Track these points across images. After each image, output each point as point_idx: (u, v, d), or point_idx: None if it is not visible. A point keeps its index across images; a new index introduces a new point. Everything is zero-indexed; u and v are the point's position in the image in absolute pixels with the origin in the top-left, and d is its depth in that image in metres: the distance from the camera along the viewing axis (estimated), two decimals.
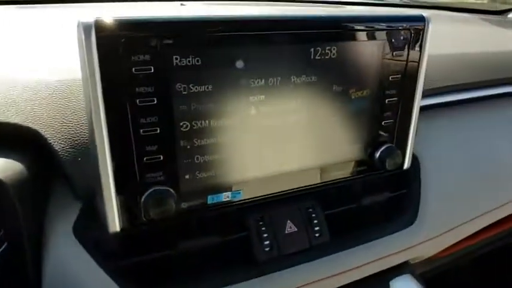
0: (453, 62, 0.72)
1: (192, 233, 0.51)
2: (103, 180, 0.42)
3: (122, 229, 0.44)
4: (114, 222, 0.44)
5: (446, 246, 0.66)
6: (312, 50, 0.47)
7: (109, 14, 0.38)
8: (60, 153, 0.44)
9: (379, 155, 0.54)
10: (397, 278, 0.61)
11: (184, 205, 0.47)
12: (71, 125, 0.46)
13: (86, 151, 0.45)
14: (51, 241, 0.45)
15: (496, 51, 0.82)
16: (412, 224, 0.60)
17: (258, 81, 0.46)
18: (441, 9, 1.18)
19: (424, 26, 0.52)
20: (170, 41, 0.40)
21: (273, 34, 0.45)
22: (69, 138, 0.45)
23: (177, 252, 0.49)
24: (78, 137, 0.46)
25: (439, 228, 0.63)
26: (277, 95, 0.47)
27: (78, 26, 0.38)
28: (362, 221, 0.61)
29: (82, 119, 0.47)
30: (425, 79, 0.54)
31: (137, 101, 0.40)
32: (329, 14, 0.47)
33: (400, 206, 0.62)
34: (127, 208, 0.44)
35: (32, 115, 0.45)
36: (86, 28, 0.37)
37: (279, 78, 0.46)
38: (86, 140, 0.46)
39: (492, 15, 1.18)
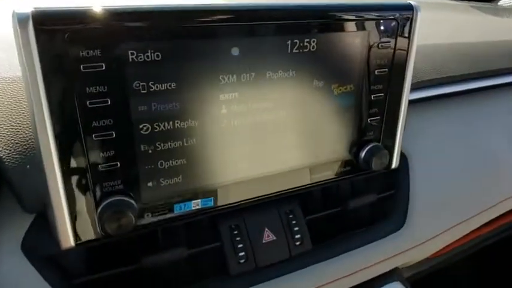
0: (442, 52, 0.67)
1: (158, 245, 0.47)
2: (52, 191, 0.37)
3: (76, 244, 0.40)
4: (68, 237, 0.39)
5: (436, 250, 0.62)
6: (289, 42, 0.42)
7: (52, 2, 0.33)
8: (5, 159, 0.39)
9: (364, 155, 0.50)
10: (385, 285, 0.57)
11: (147, 216, 0.42)
12: (19, 127, 0.41)
13: (35, 158, 0.41)
14: None
15: (487, 41, 0.78)
16: (400, 228, 0.56)
17: (229, 77, 0.41)
18: None
19: (412, 14, 0.47)
20: (124, 34, 0.35)
21: (244, 25, 0.40)
22: (16, 143, 0.40)
23: (140, 268, 0.44)
24: (27, 141, 0.41)
25: (428, 232, 0.59)
26: (250, 93, 0.42)
27: (12, 17, 0.32)
28: (346, 226, 0.57)
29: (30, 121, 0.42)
30: (413, 71, 0.50)
31: (87, 102, 0.35)
32: (307, 3, 0.42)
33: (388, 209, 0.58)
34: (81, 221, 0.39)
35: None
36: (21, 20, 0.32)
37: (253, 73, 0.42)
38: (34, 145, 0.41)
39: (482, 2, 1.15)
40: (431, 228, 0.60)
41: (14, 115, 0.41)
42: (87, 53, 0.34)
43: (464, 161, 0.64)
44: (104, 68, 0.35)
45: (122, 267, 0.44)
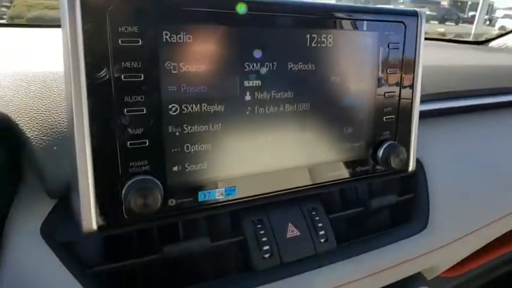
0: (446, 72, 0.71)
1: (179, 236, 0.45)
2: (79, 167, 0.37)
3: (98, 227, 0.38)
4: (90, 219, 0.38)
5: (460, 258, 0.60)
6: (308, 36, 0.45)
7: None
8: (32, 140, 0.40)
9: (382, 153, 0.50)
10: None
11: (171, 202, 0.41)
12: (48, 113, 0.42)
13: (63, 140, 0.41)
14: (14, 241, 0.39)
15: (484, 65, 0.83)
16: (423, 229, 0.55)
17: (254, 65, 0.43)
18: (431, 40, 1.26)
19: (418, 20, 0.51)
20: (161, 14, 0.38)
21: (269, 16, 0.43)
22: (45, 126, 0.41)
23: (161, 258, 0.42)
24: (55, 125, 0.41)
25: (450, 234, 0.58)
26: (273, 82, 0.44)
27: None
28: (369, 226, 0.55)
29: (61, 106, 0.43)
30: (422, 85, 0.53)
31: (122, 76, 0.37)
32: (326, 2, 0.46)
33: (409, 211, 0.58)
34: (106, 202, 0.38)
35: (3, 101, 0.41)
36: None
37: (275, 63, 0.44)
38: (64, 128, 0.41)
39: (476, 45, 1.26)
40: (453, 230, 0.58)
41: (44, 100, 0.42)
42: (126, 29, 0.36)
43: (479, 168, 0.65)
44: (140, 43, 0.37)
45: (143, 256, 0.42)
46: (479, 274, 0.72)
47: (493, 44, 1.21)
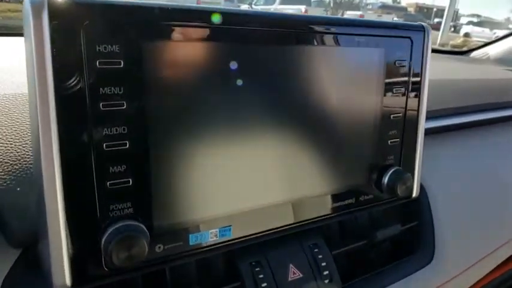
0: (436, 86, 0.68)
1: (166, 284, 0.39)
2: (48, 211, 0.31)
3: (73, 283, 0.32)
4: (63, 273, 0.32)
5: (471, 284, 0.57)
6: (304, 52, 0.40)
7: None
8: None
9: (388, 180, 0.46)
10: None
11: (159, 248, 0.36)
12: (10, 146, 0.35)
13: (27, 179, 0.34)
14: None
15: (470, 79, 0.81)
16: (430, 262, 0.51)
17: (250, 89, 0.38)
18: None
19: (424, 35, 0.47)
20: (146, 30, 0.32)
21: (259, 31, 0.37)
22: (5, 162, 0.34)
23: None
24: (17, 160, 0.35)
25: (459, 265, 0.55)
26: (264, 105, 0.39)
27: (25, 4, 0.29)
28: (374, 261, 0.51)
29: (25, 138, 0.36)
30: None
31: (100, 104, 0.31)
32: (326, 16, 0.41)
33: (415, 242, 0.54)
34: (81, 252, 0.32)
35: None
36: (35, 7, 0.28)
37: (267, 82, 0.39)
38: (29, 164, 0.35)
39: (457, 55, 1.26)
40: (460, 260, 0.55)
41: (5, 133, 0.36)
42: (105, 48, 0.31)
43: (483, 190, 0.62)
44: (122, 65, 0.31)
45: None
46: None
47: (474, 54, 1.21)
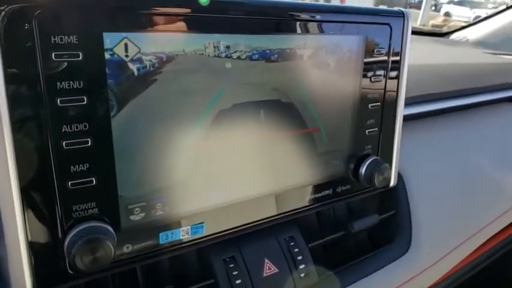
0: (415, 71, 0.67)
1: (139, 285, 0.38)
2: (6, 216, 0.29)
3: None
4: (23, 278, 0.30)
5: (444, 272, 0.58)
6: (280, 41, 0.38)
7: None
8: None
9: (365, 170, 0.45)
10: None
11: (127, 248, 0.34)
12: None
13: None
14: None
15: (449, 63, 0.80)
16: (407, 251, 0.51)
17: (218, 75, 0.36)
18: None
19: (404, 21, 0.46)
20: (107, 20, 0.30)
21: (236, 18, 0.35)
22: None
23: None
24: None
25: (435, 253, 0.55)
26: (239, 96, 0.37)
27: None
28: (351, 252, 0.51)
29: None
30: None
31: (58, 100, 0.29)
32: (300, 1, 0.39)
33: (391, 232, 0.54)
34: (44, 257, 0.31)
35: None
36: None
37: (241, 74, 0.37)
38: None
39: (437, 37, 1.26)
40: (437, 249, 0.55)
41: None
42: (61, 39, 0.28)
43: (460, 178, 0.62)
44: (80, 58, 0.29)
45: None
46: (454, 279, 0.71)
47: (454, 36, 1.20)
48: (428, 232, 0.54)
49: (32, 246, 0.30)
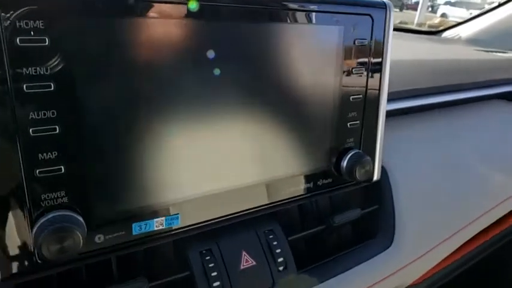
0: (404, 67, 0.67)
1: (112, 276, 0.37)
2: None
3: (2, 277, 0.30)
4: None
5: (427, 269, 0.57)
6: (261, 32, 0.38)
7: None
8: None
9: (347, 164, 0.45)
10: None
11: (98, 238, 0.34)
12: None
13: None
14: None
15: (439, 59, 0.80)
16: (389, 246, 0.51)
17: (198, 65, 0.35)
18: None
19: (386, 12, 0.46)
20: (75, 6, 0.29)
21: (218, 7, 0.35)
22: None
23: None
24: None
25: (419, 248, 0.54)
26: (221, 85, 0.37)
27: None
28: (331, 244, 0.50)
29: None
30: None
31: (24, 86, 0.28)
32: None
33: (373, 225, 0.53)
34: (10, 245, 0.30)
35: None
36: None
37: (224, 63, 0.36)
38: None
39: (429, 35, 1.26)
40: (420, 245, 0.55)
41: None
42: (27, 24, 0.28)
43: (446, 174, 0.62)
44: (47, 43, 0.28)
45: None
46: (441, 276, 0.70)
47: (446, 34, 1.20)
48: (412, 227, 0.53)
49: (0, 235, 0.30)
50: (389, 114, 0.59)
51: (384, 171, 0.55)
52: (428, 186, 0.59)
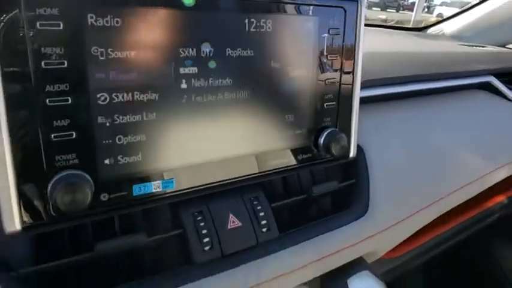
0: (387, 58, 0.73)
1: (114, 232, 0.43)
2: None
3: (23, 227, 0.36)
4: (13, 219, 0.35)
5: (399, 241, 0.63)
6: (247, 20, 0.44)
7: None
8: None
9: (324, 140, 0.50)
10: (354, 275, 0.56)
11: (104, 197, 0.39)
12: None
13: None
14: None
15: (422, 51, 0.86)
16: (363, 214, 0.56)
17: (189, 51, 0.41)
18: (373, 27, 1.30)
19: (358, 5, 0.51)
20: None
21: None
22: None
23: (94, 257, 0.40)
24: None
25: (390, 218, 0.60)
26: (210, 68, 0.42)
27: None
28: (311, 213, 0.56)
29: None
30: (362, 72, 0.53)
31: (42, 63, 0.34)
32: None
33: (350, 197, 0.59)
34: (30, 199, 0.35)
35: None
36: None
37: (213, 49, 0.42)
38: None
39: (414, 31, 1.32)
40: (392, 215, 0.60)
41: None
42: (44, 10, 0.33)
43: (421, 154, 0.68)
44: (61, 27, 0.34)
45: (74, 255, 0.39)
46: (417, 254, 0.76)
47: (430, 30, 1.26)
48: (385, 199, 0.59)
49: (20, 192, 0.35)
50: (369, 100, 0.65)
51: (360, 150, 0.60)
52: (403, 164, 0.64)
